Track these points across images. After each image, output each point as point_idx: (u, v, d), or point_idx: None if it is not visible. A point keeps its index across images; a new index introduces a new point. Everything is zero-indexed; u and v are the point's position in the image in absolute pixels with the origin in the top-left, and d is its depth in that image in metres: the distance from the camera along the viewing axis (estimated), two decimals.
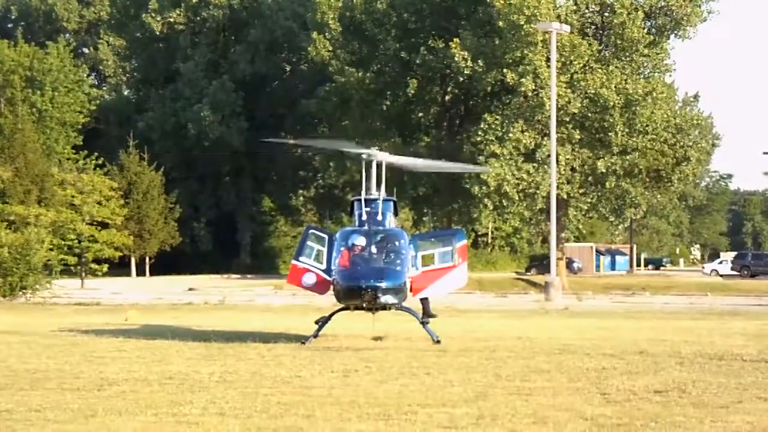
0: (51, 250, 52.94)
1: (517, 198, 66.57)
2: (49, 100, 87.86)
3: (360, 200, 24.50)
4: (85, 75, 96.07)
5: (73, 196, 70.19)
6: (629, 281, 77.97)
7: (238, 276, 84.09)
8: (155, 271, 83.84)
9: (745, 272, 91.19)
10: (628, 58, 68.67)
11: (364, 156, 25.62)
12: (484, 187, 66.30)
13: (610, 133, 67.12)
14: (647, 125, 67.50)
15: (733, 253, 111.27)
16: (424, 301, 24.58)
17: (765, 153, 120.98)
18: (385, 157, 25.80)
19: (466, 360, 19.87)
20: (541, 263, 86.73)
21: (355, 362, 19.47)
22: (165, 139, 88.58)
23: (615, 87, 66.36)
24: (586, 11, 69.70)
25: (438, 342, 23.16)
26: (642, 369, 18.46)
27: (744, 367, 18.81)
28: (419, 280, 23.88)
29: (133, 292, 57.78)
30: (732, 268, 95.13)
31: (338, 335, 25.15)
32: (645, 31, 67.99)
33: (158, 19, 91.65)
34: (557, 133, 58.77)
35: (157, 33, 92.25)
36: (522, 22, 64.52)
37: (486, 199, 67.68)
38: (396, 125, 79.81)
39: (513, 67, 66.55)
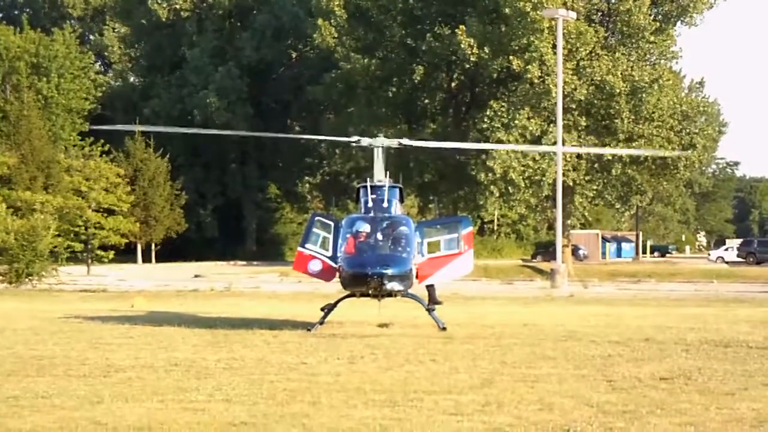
0: (58, 236, 52.95)
1: (523, 185, 66.50)
2: (55, 87, 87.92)
3: (366, 187, 24.46)
4: (91, 62, 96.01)
5: (79, 183, 70.24)
6: (635, 268, 77.97)
7: (244, 263, 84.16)
8: (161, 258, 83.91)
9: (751, 259, 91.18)
10: (634, 45, 68.60)
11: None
12: (490, 174, 66.24)
13: (616, 120, 67.05)
14: (653, 112, 67.41)
15: (739, 240, 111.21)
16: (430, 288, 24.57)
17: None
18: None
19: (471, 347, 19.89)
20: (546, 250, 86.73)
21: (361, 349, 19.49)
22: (171, 126, 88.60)
23: (621, 74, 66.29)
24: None
25: (444, 329, 23.16)
26: (648, 356, 18.46)
27: (750, 354, 18.81)
28: (425, 267, 23.85)
29: (139, 278, 57.85)
30: (738, 255, 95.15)
31: (344, 322, 25.16)
32: (651, 17, 67.88)
33: (164, 5, 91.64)
34: (563, 120, 58.67)
35: (163, 19, 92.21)
36: (528, 9, 64.46)
37: (492, 186, 67.60)
38: (402, 112, 79.74)
39: (519, 54, 66.48)
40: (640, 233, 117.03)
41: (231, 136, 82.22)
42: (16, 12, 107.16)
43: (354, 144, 25.58)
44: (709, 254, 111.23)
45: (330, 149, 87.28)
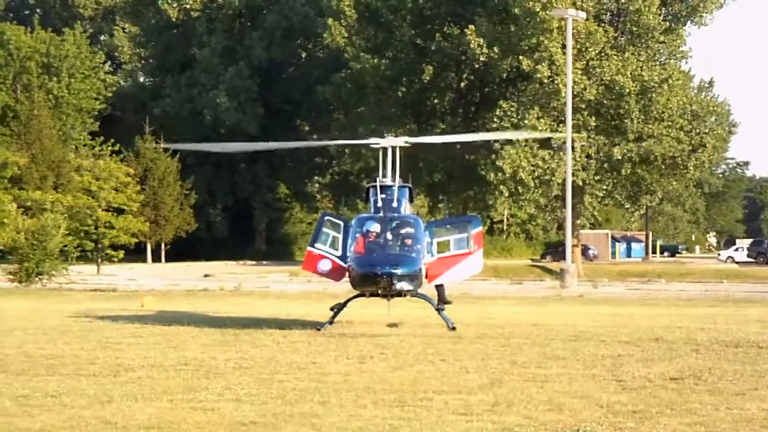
0: (68, 235, 53.00)
1: (532, 185, 66.47)
2: (65, 87, 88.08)
3: (375, 187, 24.43)
4: (101, 62, 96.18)
5: (89, 182, 70.36)
6: (645, 268, 77.89)
7: (254, 262, 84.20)
8: (171, 258, 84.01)
9: (761, 259, 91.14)
10: (643, 45, 68.56)
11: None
12: (499, 174, 66.22)
13: (625, 120, 67.00)
14: (663, 112, 67.36)
15: (749, 240, 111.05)
16: (440, 287, 24.54)
17: None
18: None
19: (481, 347, 19.87)
20: (556, 250, 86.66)
21: (370, 349, 19.48)
22: (181, 126, 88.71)
23: (631, 74, 66.22)
24: None
25: (453, 329, 23.14)
26: (658, 356, 18.43)
27: (760, 354, 18.77)
28: (435, 267, 23.83)
29: (149, 278, 57.90)
30: (748, 255, 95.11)
31: (354, 322, 25.15)
32: (661, 17, 67.83)
33: (174, 5, 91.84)
34: (573, 120, 58.60)
35: (173, 19, 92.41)
36: (538, 9, 64.46)
37: (501, 186, 67.58)
38: (411, 112, 79.75)
39: (528, 54, 66.47)
40: (650, 233, 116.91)
41: (240, 136, 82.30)
42: (27, 12, 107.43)
43: (373, 146, 25.53)
44: (719, 254, 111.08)
45: (340, 149, 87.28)
